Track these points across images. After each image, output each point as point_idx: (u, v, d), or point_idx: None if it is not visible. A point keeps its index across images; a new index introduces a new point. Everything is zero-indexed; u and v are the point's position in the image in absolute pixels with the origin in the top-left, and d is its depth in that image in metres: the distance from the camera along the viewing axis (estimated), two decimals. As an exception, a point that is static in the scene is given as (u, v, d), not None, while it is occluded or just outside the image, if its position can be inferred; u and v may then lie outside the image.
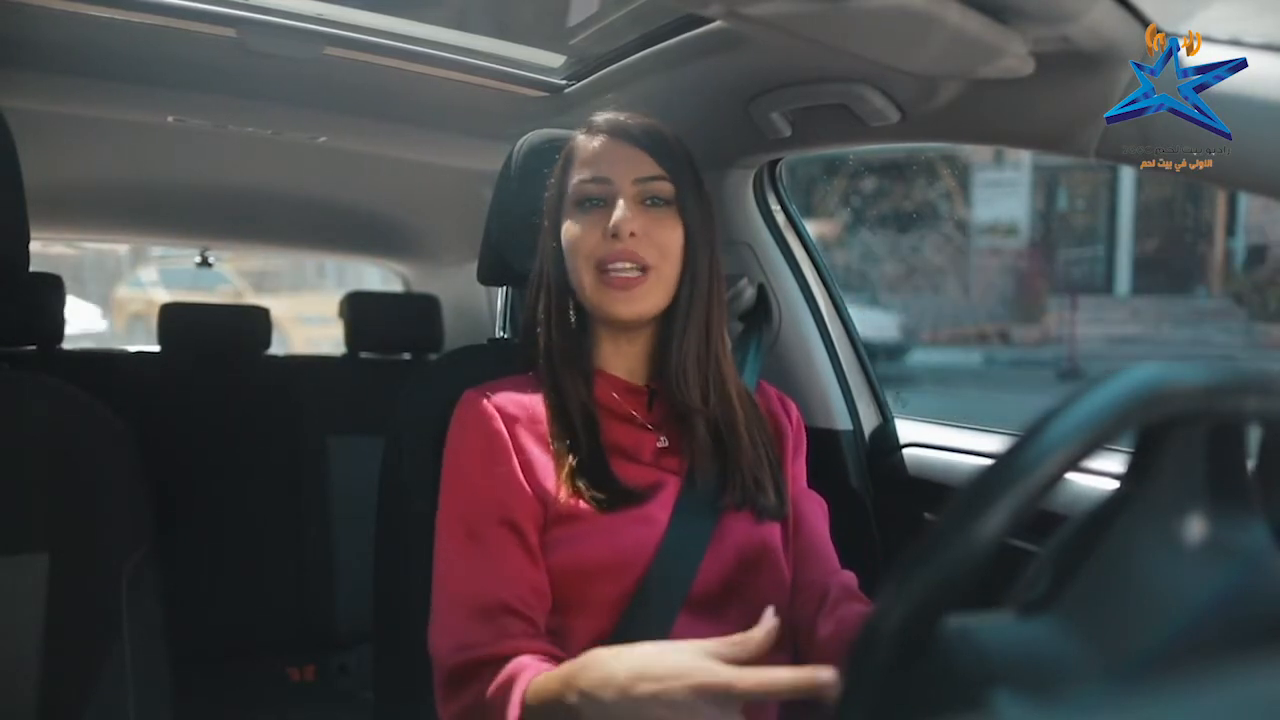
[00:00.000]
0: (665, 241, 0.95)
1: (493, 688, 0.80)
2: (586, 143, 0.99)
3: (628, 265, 0.93)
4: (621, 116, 0.99)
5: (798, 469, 1.06)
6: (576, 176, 0.97)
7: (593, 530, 0.90)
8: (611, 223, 0.92)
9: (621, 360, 1.00)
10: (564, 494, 0.91)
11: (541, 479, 0.92)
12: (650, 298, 0.95)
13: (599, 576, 0.90)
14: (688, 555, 0.92)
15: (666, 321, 0.98)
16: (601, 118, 1.00)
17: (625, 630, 0.89)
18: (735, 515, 0.96)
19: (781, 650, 0.97)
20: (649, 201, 0.95)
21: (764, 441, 1.01)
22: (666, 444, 0.98)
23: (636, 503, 0.92)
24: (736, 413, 0.99)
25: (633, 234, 0.93)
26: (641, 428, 0.99)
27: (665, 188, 0.96)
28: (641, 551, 0.91)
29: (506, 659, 0.82)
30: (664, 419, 0.99)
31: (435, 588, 0.91)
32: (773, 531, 0.98)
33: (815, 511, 1.04)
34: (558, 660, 0.83)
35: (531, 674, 0.78)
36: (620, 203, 0.94)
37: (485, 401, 0.96)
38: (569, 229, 0.97)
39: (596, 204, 0.95)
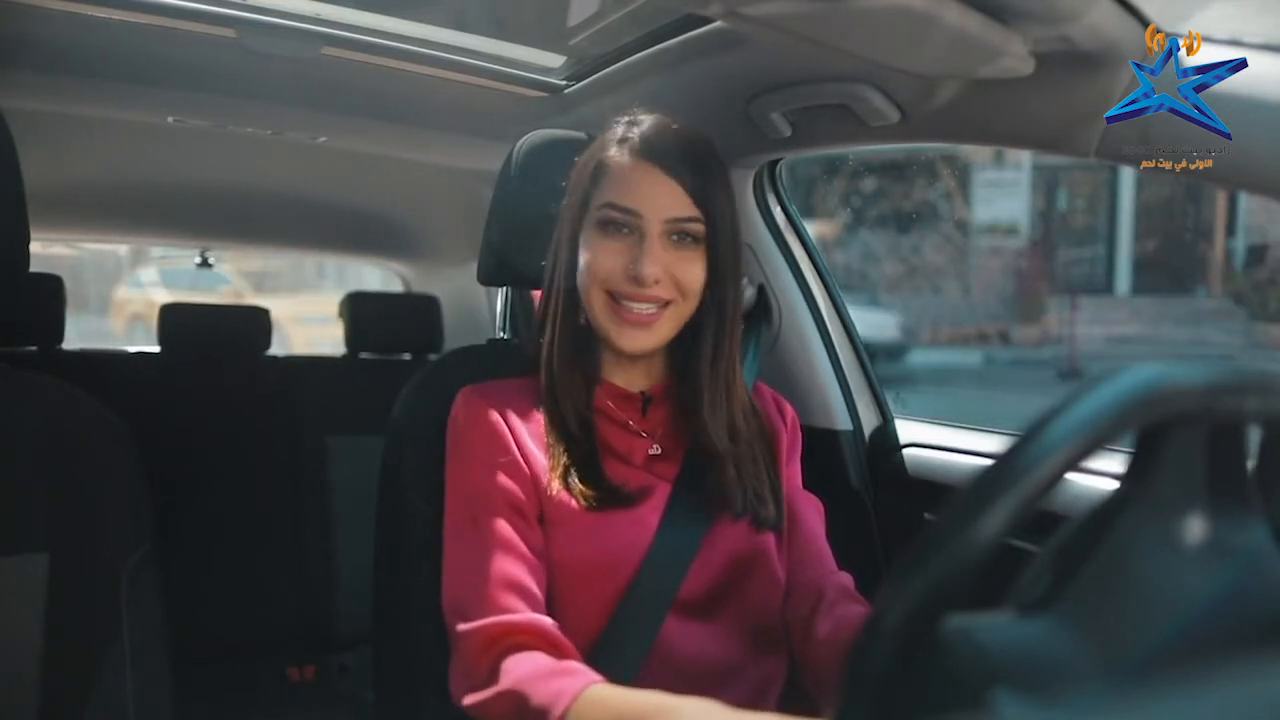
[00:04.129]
0: (687, 280, 0.92)
1: (532, 675, 0.80)
2: (620, 160, 0.93)
3: (647, 306, 0.92)
4: (654, 133, 0.93)
5: (792, 470, 1.06)
6: (605, 198, 0.92)
7: (583, 530, 0.91)
8: (637, 268, 0.89)
9: (622, 372, 1.00)
10: (555, 489, 0.91)
11: (538, 472, 0.93)
12: (661, 332, 0.93)
13: (589, 576, 0.91)
14: (677, 559, 0.93)
15: (679, 351, 0.98)
16: (638, 133, 0.93)
17: (614, 630, 0.90)
18: (731, 523, 0.96)
19: (778, 652, 0.97)
20: (676, 237, 0.92)
21: (764, 453, 1.01)
22: (659, 451, 0.99)
23: (626, 504, 0.93)
24: (740, 429, 0.98)
25: (657, 281, 0.90)
26: (635, 434, 0.99)
27: (697, 228, 0.92)
28: (631, 553, 0.91)
29: (519, 630, 0.83)
30: (658, 426, 1.00)
31: (445, 573, 0.91)
32: (767, 537, 0.98)
33: (810, 512, 1.04)
34: (558, 648, 0.84)
35: (584, 682, 0.78)
36: (647, 245, 0.90)
37: (481, 395, 0.97)
38: (588, 250, 0.93)
39: (621, 230, 0.92)
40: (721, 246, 0.93)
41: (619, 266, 0.91)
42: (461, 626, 0.86)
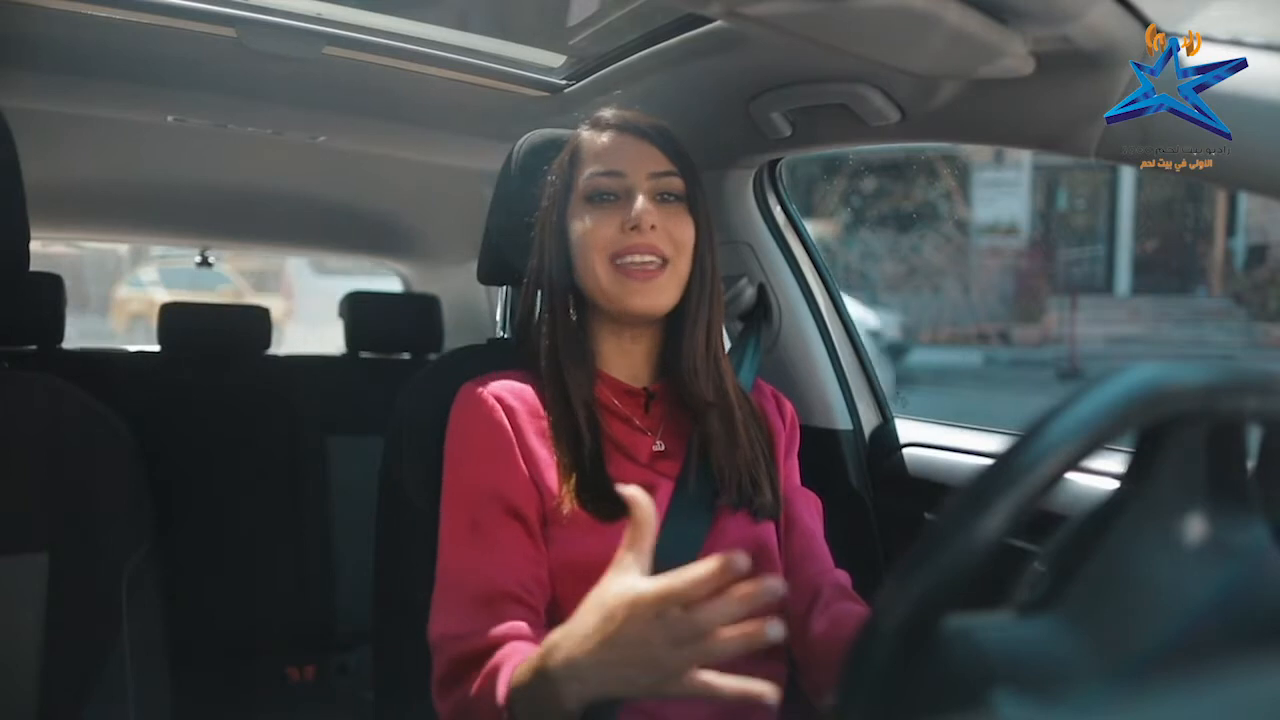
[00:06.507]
0: (680, 236, 0.95)
1: (483, 674, 0.80)
2: (595, 138, 0.99)
3: (648, 258, 0.94)
4: (624, 111, 1.00)
5: (790, 467, 1.06)
6: (588, 170, 0.97)
7: (586, 531, 0.90)
8: (633, 214, 0.93)
9: (623, 361, 1.00)
10: (561, 491, 0.91)
11: (542, 471, 0.93)
12: (667, 291, 0.95)
13: (592, 577, 0.90)
14: (680, 558, 0.92)
15: (673, 320, 0.99)
16: (608, 113, 1.00)
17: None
18: (731, 517, 0.96)
19: (779, 657, 0.97)
20: (661, 197, 0.96)
21: (760, 440, 1.01)
22: (663, 448, 0.99)
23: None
24: (735, 412, 0.99)
25: (653, 226, 0.93)
26: (640, 431, 0.99)
27: (677, 183, 0.97)
28: None
29: (495, 641, 0.83)
30: (661, 422, 1.00)
31: (439, 577, 0.91)
32: (768, 530, 0.98)
33: (808, 509, 1.04)
34: None
35: (518, 659, 0.78)
36: (638, 195, 0.94)
37: (484, 393, 0.96)
38: (580, 223, 0.96)
39: (609, 198, 0.96)
40: (699, 205, 0.98)
41: (614, 226, 0.94)
42: (437, 634, 0.87)
